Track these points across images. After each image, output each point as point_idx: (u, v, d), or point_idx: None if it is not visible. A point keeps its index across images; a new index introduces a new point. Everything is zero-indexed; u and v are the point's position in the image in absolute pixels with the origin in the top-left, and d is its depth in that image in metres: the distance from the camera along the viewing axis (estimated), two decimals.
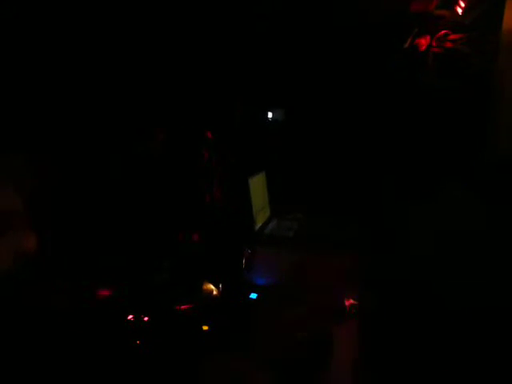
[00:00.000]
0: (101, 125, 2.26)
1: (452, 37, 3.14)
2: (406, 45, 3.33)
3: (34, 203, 1.83)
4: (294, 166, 3.51)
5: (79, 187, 2.14)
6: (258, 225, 2.42)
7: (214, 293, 1.82)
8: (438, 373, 1.54)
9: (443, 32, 3.18)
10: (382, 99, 3.44)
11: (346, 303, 1.72)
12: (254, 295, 1.84)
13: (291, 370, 1.35)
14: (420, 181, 2.65)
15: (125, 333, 1.46)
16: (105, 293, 1.78)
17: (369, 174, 3.28)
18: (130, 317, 1.57)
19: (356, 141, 3.48)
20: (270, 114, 3.91)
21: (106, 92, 2.28)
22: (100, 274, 1.94)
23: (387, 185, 2.89)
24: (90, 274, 1.94)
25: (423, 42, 3.27)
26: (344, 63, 3.49)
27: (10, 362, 1.31)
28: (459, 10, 2.99)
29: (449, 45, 3.18)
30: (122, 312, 1.59)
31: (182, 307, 1.60)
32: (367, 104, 3.48)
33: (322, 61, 3.52)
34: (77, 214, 2.15)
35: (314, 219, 2.79)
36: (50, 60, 2.04)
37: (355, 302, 1.73)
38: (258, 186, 2.53)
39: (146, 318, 1.56)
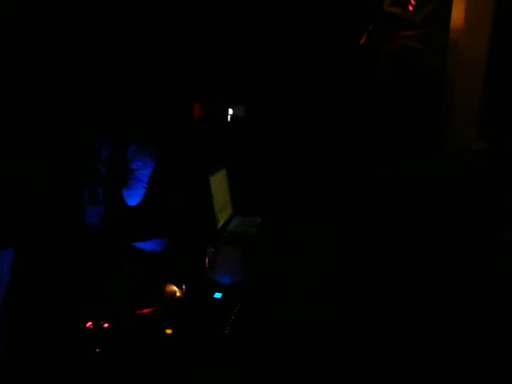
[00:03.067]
0: None
1: (404, 34, 3.24)
2: (361, 41, 3.40)
3: None
4: (256, 163, 3.51)
5: None
6: (221, 223, 2.39)
7: (177, 294, 1.78)
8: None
9: (395, 29, 3.27)
10: (340, 94, 3.49)
11: None
12: (218, 295, 1.82)
13: (256, 366, 1.34)
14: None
15: (84, 341, 1.40)
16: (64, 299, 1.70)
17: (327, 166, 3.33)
18: (89, 324, 1.51)
19: (316, 135, 3.53)
20: (230, 111, 3.88)
21: None
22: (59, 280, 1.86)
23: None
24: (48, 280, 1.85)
25: (377, 39, 3.35)
26: (302, 59, 3.52)
27: None
28: (410, 8, 3.07)
29: (401, 41, 3.27)
30: (80, 319, 1.52)
31: (144, 311, 1.55)
32: (326, 100, 3.53)
33: (281, 56, 3.54)
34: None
35: (276, 216, 2.79)
36: None
37: None
38: (219, 183, 2.49)
39: (106, 325, 1.50)
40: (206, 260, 1.96)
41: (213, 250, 1.98)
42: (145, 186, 2.32)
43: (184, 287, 1.81)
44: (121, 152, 2.29)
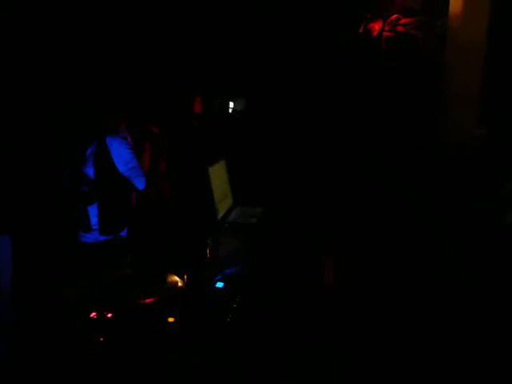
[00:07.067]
0: None
1: (403, 21, 3.22)
2: (360, 30, 3.38)
3: None
4: (257, 154, 3.52)
5: None
6: (221, 213, 2.40)
7: (179, 284, 1.80)
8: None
9: (394, 16, 3.25)
10: (340, 84, 3.48)
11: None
12: (219, 284, 1.84)
13: (259, 356, 1.37)
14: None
15: (88, 331, 1.42)
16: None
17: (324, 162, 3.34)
18: (93, 314, 1.53)
19: (315, 125, 3.53)
20: (231, 104, 3.88)
21: None
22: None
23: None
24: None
25: (376, 27, 3.33)
26: (302, 50, 3.51)
27: None
28: None
29: (400, 29, 3.25)
30: (84, 310, 1.55)
31: (147, 301, 1.57)
32: (325, 90, 3.52)
33: (281, 49, 3.52)
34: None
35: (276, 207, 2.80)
36: None
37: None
38: (218, 174, 2.50)
39: (109, 315, 1.53)
40: (208, 250, 1.98)
41: (214, 240, 1.99)
42: (135, 164, 2.37)
43: (185, 277, 1.83)
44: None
